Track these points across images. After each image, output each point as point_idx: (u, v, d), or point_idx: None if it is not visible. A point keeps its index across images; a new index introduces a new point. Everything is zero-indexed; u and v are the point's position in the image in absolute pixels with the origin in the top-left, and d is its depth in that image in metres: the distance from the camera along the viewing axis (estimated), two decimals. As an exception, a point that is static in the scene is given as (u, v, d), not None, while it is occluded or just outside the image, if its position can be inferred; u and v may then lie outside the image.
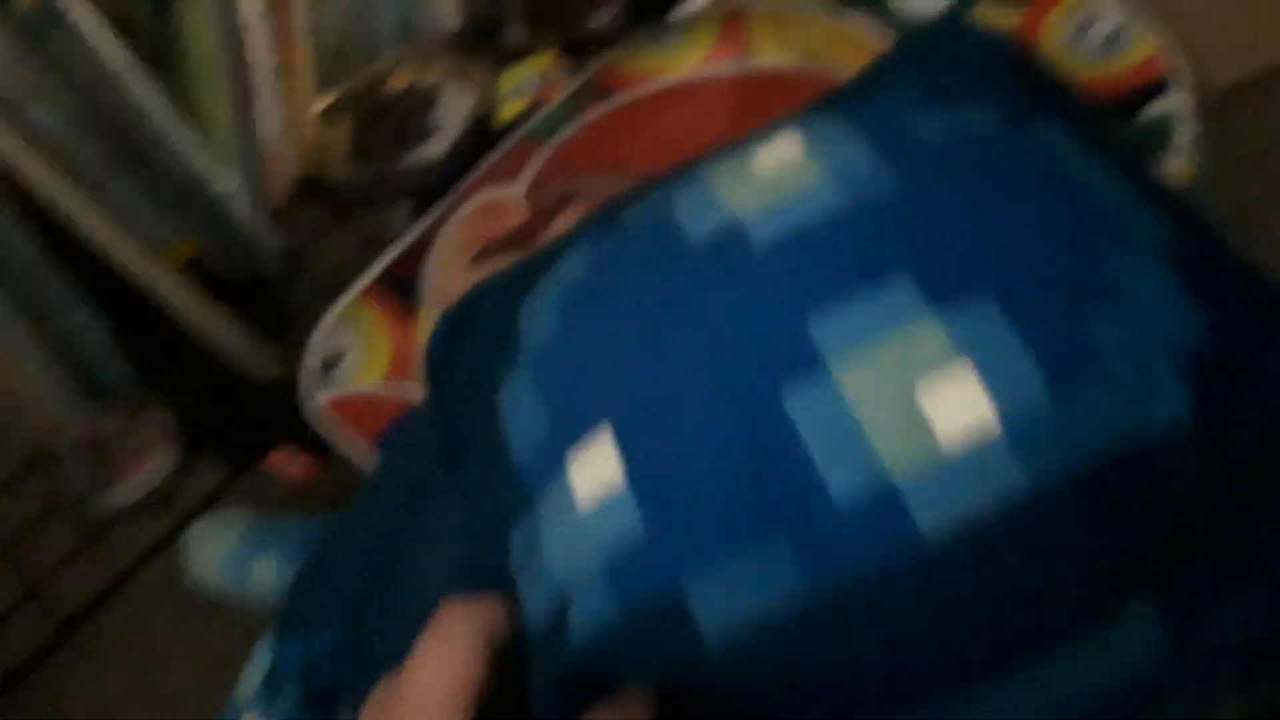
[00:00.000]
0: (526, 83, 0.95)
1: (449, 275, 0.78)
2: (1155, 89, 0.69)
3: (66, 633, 0.75)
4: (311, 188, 0.95)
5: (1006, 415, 0.32)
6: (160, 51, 0.87)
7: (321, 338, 0.76)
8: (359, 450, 0.71)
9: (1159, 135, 0.66)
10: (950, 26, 0.51)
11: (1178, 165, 0.64)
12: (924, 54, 0.48)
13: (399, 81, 0.97)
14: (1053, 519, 0.32)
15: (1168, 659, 0.33)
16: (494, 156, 0.85)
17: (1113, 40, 0.72)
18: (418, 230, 0.81)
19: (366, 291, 0.78)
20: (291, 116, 0.92)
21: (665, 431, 0.35)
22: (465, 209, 0.82)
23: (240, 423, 0.81)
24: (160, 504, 0.79)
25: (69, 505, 0.79)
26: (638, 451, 0.35)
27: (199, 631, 0.74)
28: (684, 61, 0.83)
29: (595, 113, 0.84)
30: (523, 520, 0.38)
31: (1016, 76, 0.46)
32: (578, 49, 0.98)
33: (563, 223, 0.78)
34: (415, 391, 0.74)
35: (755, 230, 0.38)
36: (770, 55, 0.82)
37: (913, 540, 0.32)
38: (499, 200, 0.82)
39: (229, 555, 0.69)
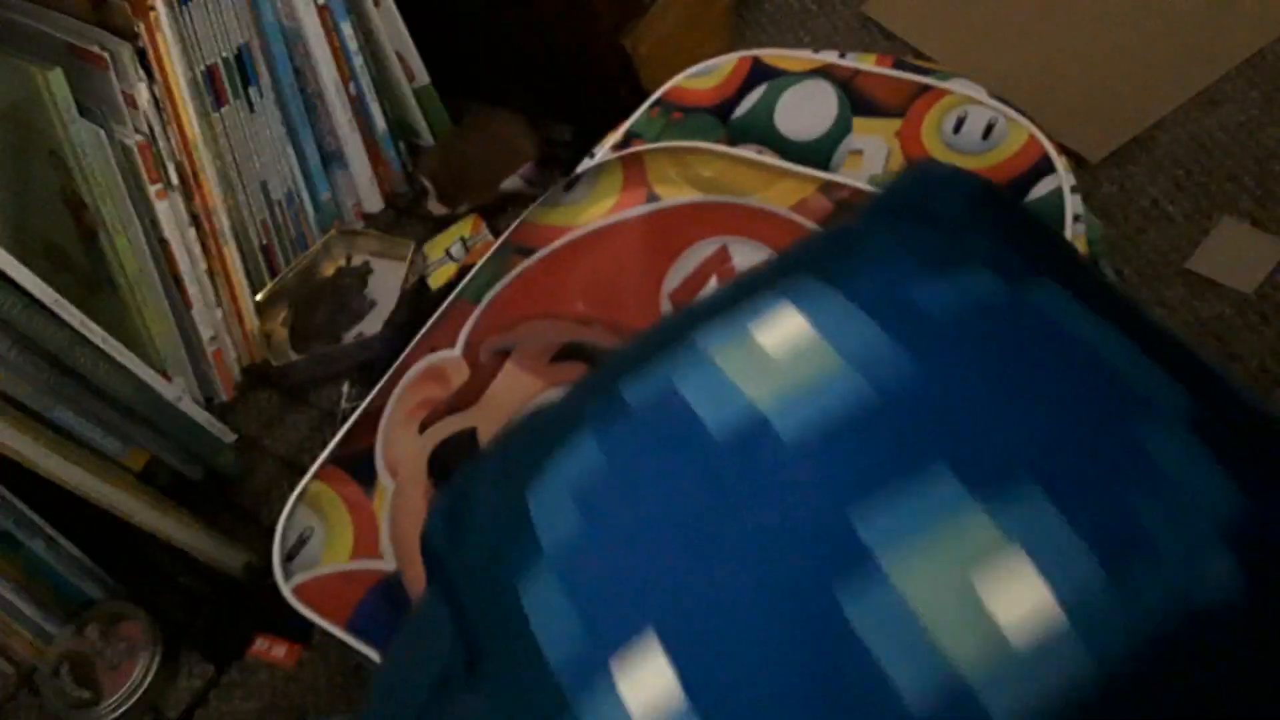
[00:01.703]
0: (452, 249, 0.96)
1: (401, 445, 0.77)
2: (1039, 171, 0.71)
3: None
4: (258, 377, 0.94)
5: (1066, 601, 0.31)
6: (94, 274, 0.86)
7: (284, 524, 0.74)
8: (339, 629, 0.69)
9: (1055, 211, 0.68)
10: (922, 174, 0.48)
11: (1075, 235, 0.66)
12: (901, 209, 0.46)
13: (330, 266, 0.97)
14: (1122, 702, 0.31)
15: None
16: (430, 324, 0.84)
17: (989, 132, 0.74)
18: (365, 405, 0.80)
19: (322, 472, 0.76)
20: (229, 314, 0.91)
21: (717, 640, 0.33)
22: (408, 377, 0.81)
23: (216, 619, 0.78)
24: (149, 711, 0.76)
25: (62, 723, 0.76)
26: (691, 664, 0.33)
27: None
28: (594, 210, 0.84)
29: (520, 268, 0.84)
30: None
31: (996, 223, 0.44)
32: (494, 210, 0.99)
33: (505, 381, 0.77)
34: (383, 565, 0.72)
35: (780, 422, 0.36)
36: (673, 192, 0.84)
37: None
38: (439, 364, 0.81)
39: None
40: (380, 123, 0.99)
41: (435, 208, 0.97)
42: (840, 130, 0.81)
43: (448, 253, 0.96)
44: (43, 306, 0.71)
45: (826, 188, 0.79)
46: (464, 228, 0.97)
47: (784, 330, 0.39)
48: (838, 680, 0.31)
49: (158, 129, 0.79)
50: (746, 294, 0.42)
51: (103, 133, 0.77)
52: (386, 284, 0.95)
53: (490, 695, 0.39)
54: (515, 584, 0.38)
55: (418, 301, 0.91)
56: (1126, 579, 0.31)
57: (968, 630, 0.31)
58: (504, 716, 0.38)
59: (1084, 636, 0.31)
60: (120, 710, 0.74)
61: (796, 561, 0.33)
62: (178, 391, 0.81)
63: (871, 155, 0.80)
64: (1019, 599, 0.31)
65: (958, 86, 0.78)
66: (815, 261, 0.43)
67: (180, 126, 0.81)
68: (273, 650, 0.75)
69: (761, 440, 0.36)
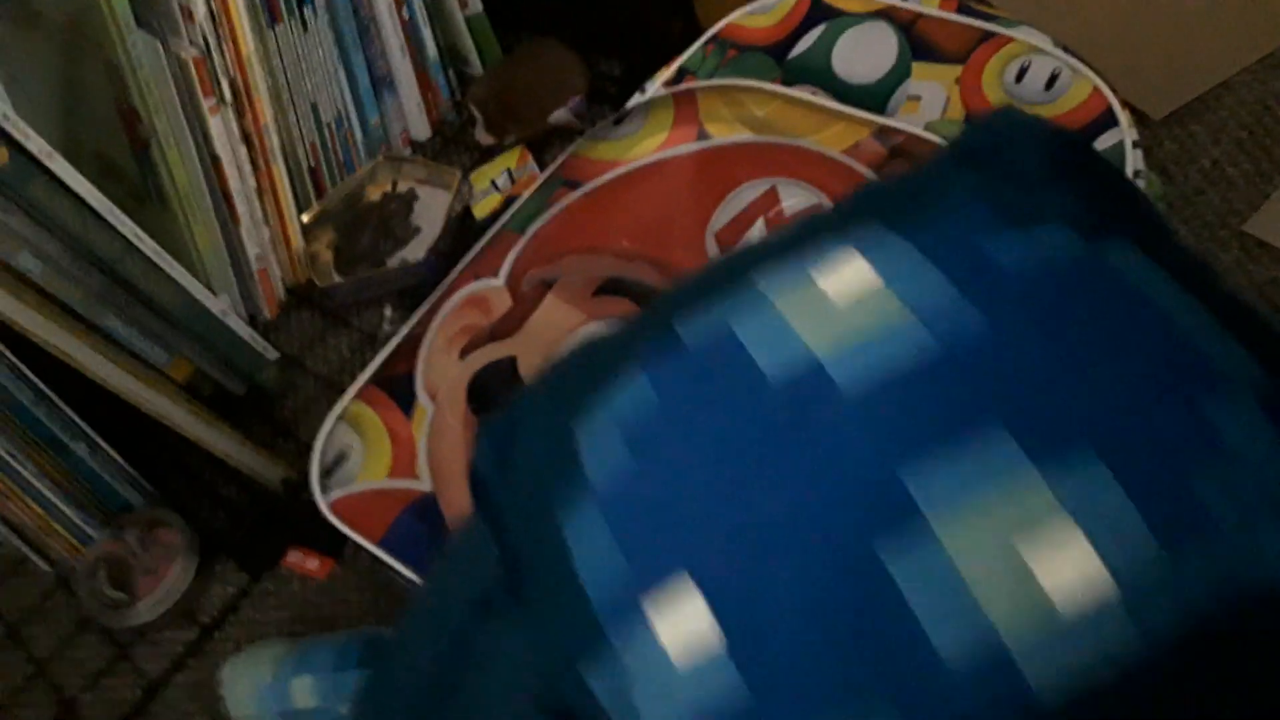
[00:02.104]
0: (498, 180, 0.96)
1: (441, 370, 0.77)
2: (1102, 124, 0.70)
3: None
4: (302, 297, 0.95)
5: (1117, 573, 0.30)
6: (144, 187, 0.87)
7: (324, 441, 0.75)
8: (372, 545, 0.70)
9: (1116, 166, 0.67)
10: (1005, 124, 0.46)
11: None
12: (980, 159, 0.44)
13: (376, 191, 0.97)
14: (1168, 678, 0.30)
15: None
16: (474, 252, 0.84)
17: (1052, 83, 0.73)
18: (406, 329, 0.81)
19: (363, 392, 0.77)
20: (276, 233, 0.92)
21: (757, 585, 0.33)
22: (450, 304, 0.81)
23: (253, 530, 0.80)
24: (183, 616, 0.77)
25: (96, 624, 0.78)
26: (727, 606, 0.33)
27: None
28: (645, 146, 0.83)
29: (566, 201, 0.84)
30: (602, 660, 0.35)
31: (1080, 179, 0.42)
32: (542, 144, 0.99)
33: (547, 312, 0.78)
34: (419, 485, 0.73)
35: (838, 371, 0.35)
36: (724, 131, 0.83)
37: (1026, 702, 0.30)
38: (482, 292, 0.82)
39: (265, 687, 0.67)
40: (431, 49, 0.98)
41: (483, 137, 0.97)
42: (899, 74, 0.80)
43: (493, 183, 0.95)
44: (96, 215, 0.71)
45: (881, 133, 0.78)
46: (510, 159, 0.97)
47: (848, 277, 0.38)
48: (874, 633, 0.31)
49: (213, 43, 0.79)
50: (810, 237, 0.41)
51: (159, 45, 0.77)
52: (431, 211, 0.95)
53: (528, 622, 0.39)
54: (559, 515, 0.38)
55: (462, 230, 0.91)
56: (1181, 555, 0.31)
57: (1012, 595, 0.30)
58: (541, 643, 0.38)
59: (1131, 610, 0.30)
60: (155, 612, 0.76)
61: (840, 511, 0.33)
62: (223, 305, 0.82)
63: (929, 101, 0.78)
64: (1068, 568, 0.30)
65: (1022, 34, 0.77)
66: (883, 208, 0.42)
67: (235, 42, 0.81)
68: (306, 563, 0.76)
69: (817, 388, 0.36)
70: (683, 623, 0.33)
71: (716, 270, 0.44)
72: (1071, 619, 0.30)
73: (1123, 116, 0.69)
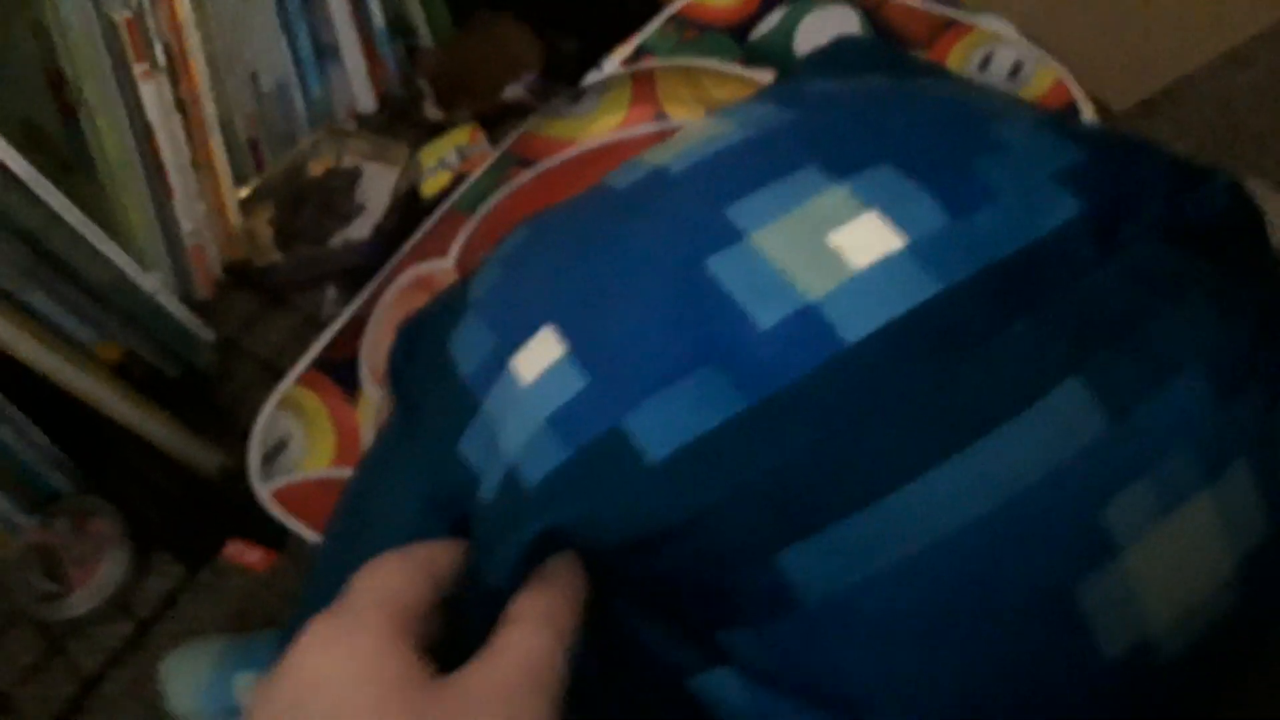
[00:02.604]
0: (447, 157, 0.93)
1: (386, 353, 0.75)
2: (1066, 114, 0.69)
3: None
4: (239, 276, 0.91)
5: (911, 236, 0.35)
6: (73, 156, 0.83)
7: (263, 427, 0.72)
8: (316, 535, 0.68)
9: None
10: (845, 42, 0.57)
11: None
12: (822, 63, 0.55)
13: (319, 165, 0.93)
14: (964, 315, 0.34)
15: (1108, 443, 0.33)
16: (422, 231, 0.82)
17: (1016, 72, 0.72)
18: (350, 311, 0.78)
19: (304, 377, 0.75)
20: (212, 208, 0.88)
21: (598, 312, 0.37)
22: (396, 286, 0.79)
23: (190, 520, 0.76)
24: (119, 609, 0.74)
25: (27, 617, 0.74)
26: (577, 332, 0.37)
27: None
28: (600, 125, 0.81)
29: (518, 181, 0.81)
30: (474, 424, 0.38)
31: (897, 64, 0.53)
32: (493, 120, 0.96)
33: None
34: (364, 474, 0.70)
35: (674, 165, 0.42)
36: (683, 113, 0.81)
37: (832, 344, 0.33)
38: (430, 274, 0.79)
39: (207, 682, 0.65)
40: (379, 18, 0.95)
41: (432, 112, 0.94)
42: (861, 60, 0.79)
43: (442, 161, 0.93)
44: (19, 183, 0.67)
45: (842, 118, 0.77)
46: (461, 135, 0.94)
47: (699, 123, 0.46)
48: (696, 316, 0.35)
49: (146, 5, 0.75)
50: None
51: (90, 6, 0.73)
52: (376, 189, 0.92)
53: (418, 440, 0.42)
54: (444, 341, 0.42)
55: (409, 209, 0.88)
56: (968, 216, 0.36)
57: (816, 267, 0.35)
58: (426, 447, 0.41)
59: (925, 263, 0.35)
60: (89, 605, 0.73)
61: (673, 244, 0.38)
62: (155, 283, 0.78)
63: (891, 88, 0.78)
64: (867, 241, 0.35)
65: (986, 23, 0.76)
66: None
67: (170, 4, 0.77)
68: (246, 554, 0.73)
69: (654, 180, 0.42)
70: (536, 355, 0.37)
71: None
72: (869, 274, 0.34)
73: (1086, 107, 0.69)
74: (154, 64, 0.78)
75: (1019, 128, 0.40)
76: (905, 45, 0.77)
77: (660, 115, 0.81)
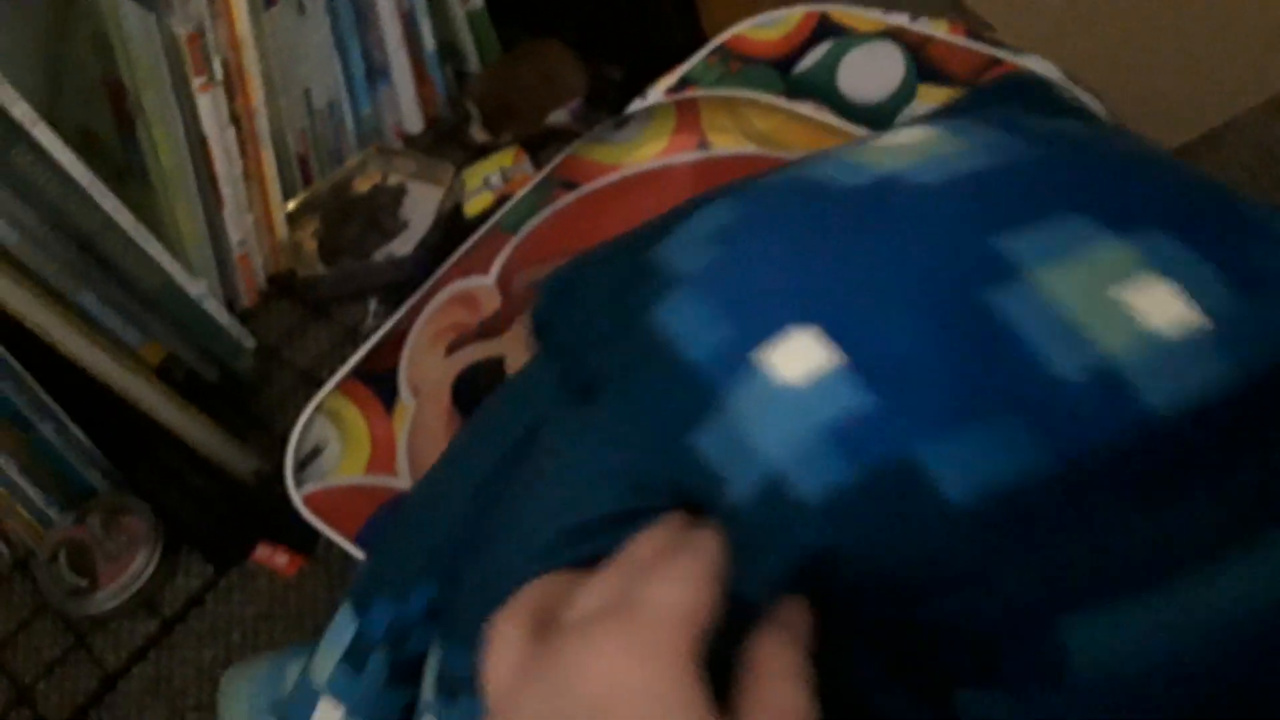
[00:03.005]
0: (491, 178, 0.95)
1: (426, 366, 0.76)
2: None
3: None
4: (283, 287, 0.93)
5: (1207, 312, 0.33)
6: (127, 164, 0.85)
7: (300, 432, 0.73)
8: (347, 541, 0.68)
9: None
10: (1023, 77, 0.54)
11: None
12: (1004, 93, 0.51)
13: (365, 183, 0.95)
14: (1270, 403, 0.32)
15: None
16: (464, 249, 0.83)
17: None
18: (392, 323, 0.79)
19: (344, 386, 0.76)
20: (260, 220, 0.90)
21: (871, 325, 0.34)
22: (438, 301, 0.80)
23: (221, 522, 0.78)
24: (145, 606, 0.75)
25: (55, 610, 0.75)
26: (849, 340, 0.34)
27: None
28: (644, 152, 0.82)
29: (561, 203, 0.82)
30: (712, 417, 0.35)
31: (1077, 112, 0.49)
32: (538, 144, 0.97)
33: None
34: (397, 482, 0.71)
35: (916, 175, 0.38)
36: (726, 143, 0.82)
37: (1142, 414, 0.31)
38: (471, 290, 0.80)
39: (266, 701, 0.65)
40: (429, 42, 0.97)
41: (478, 134, 0.96)
42: (904, 96, 0.79)
43: (486, 181, 0.94)
44: (77, 187, 0.69)
45: (884, 153, 0.77)
46: (505, 158, 0.95)
47: (909, 134, 0.42)
48: (994, 358, 0.33)
49: (208, 21, 0.78)
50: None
51: (152, 19, 0.75)
52: (421, 207, 0.94)
53: (613, 404, 0.39)
54: (644, 311, 0.39)
55: (452, 227, 0.90)
56: (1256, 302, 0.33)
57: (1116, 327, 0.33)
58: (633, 428, 0.38)
59: (1226, 341, 0.32)
60: (115, 601, 0.74)
61: (945, 269, 0.35)
62: (201, 289, 0.79)
63: (933, 124, 0.78)
64: (1162, 307, 0.33)
65: (1031, 63, 0.76)
66: (931, 116, 0.49)
67: (230, 21, 0.79)
68: (275, 558, 0.74)
69: (896, 186, 0.38)
70: (799, 356, 0.34)
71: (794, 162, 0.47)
72: (1174, 344, 0.32)
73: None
74: (212, 78, 0.80)
75: (1261, 211, 0.38)
76: (948, 82, 0.78)
77: (703, 144, 0.82)
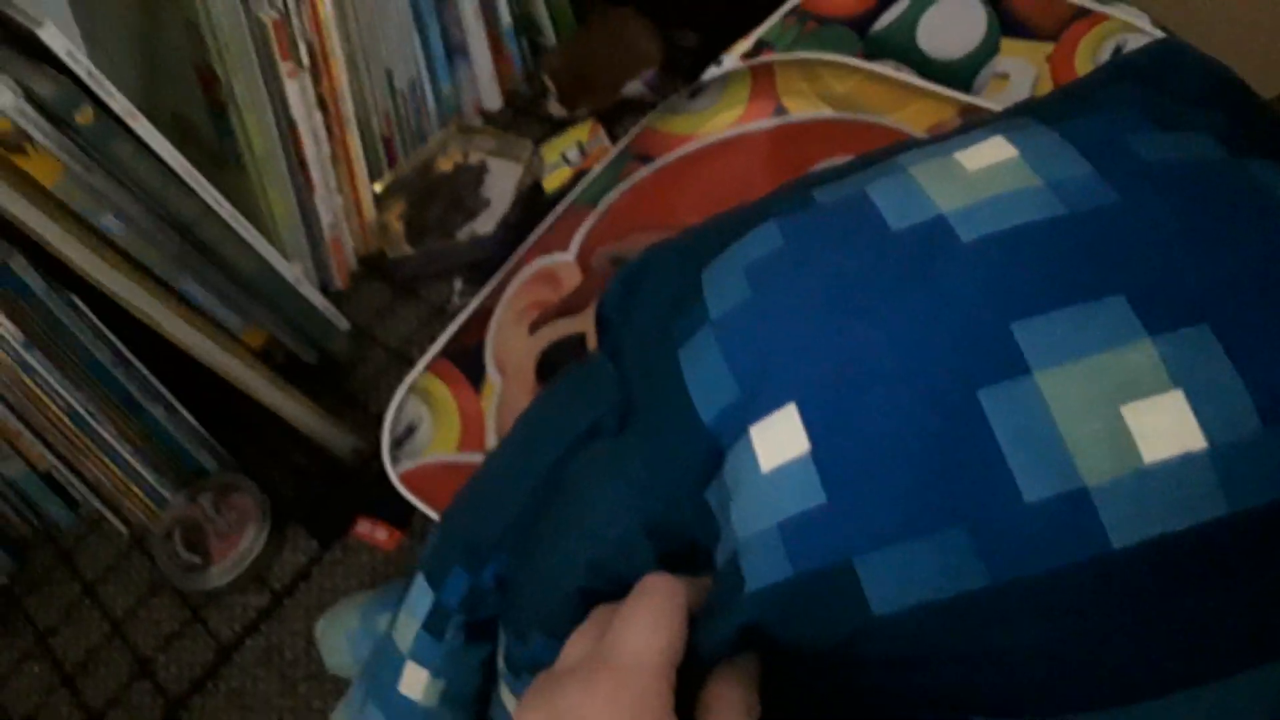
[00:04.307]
0: (568, 152, 0.94)
1: (510, 344, 0.76)
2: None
3: (179, 707, 0.74)
4: (373, 268, 0.94)
5: (1213, 438, 0.30)
6: (221, 150, 0.87)
7: (394, 413, 0.75)
8: (439, 517, 0.70)
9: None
10: (1169, 49, 0.46)
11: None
12: (1140, 75, 0.45)
13: (447, 162, 0.96)
14: (1244, 546, 0.30)
15: None
16: (544, 226, 0.83)
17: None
18: (476, 303, 0.80)
19: (433, 366, 0.77)
20: (349, 202, 0.92)
21: (852, 414, 0.34)
22: (520, 278, 0.80)
23: (324, 499, 0.80)
24: (255, 581, 0.78)
25: (172, 586, 0.79)
26: (823, 428, 0.34)
27: (305, 699, 0.72)
28: (720, 121, 0.81)
29: (638, 176, 0.82)
30: (716, 477, 0.38)
31: (1235, 108, 0.42)
32: (614, 117, 0.97)
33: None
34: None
35: (962, 226, 0.36)
36: (803, 107, 0.80)
37: (1099, 546, 0.30)
38: (552, 267, 0.80)
39: (357, 635, 0.68)
40: (506, 16, 0.97)
41: (554, 109, 0.96)
42: (987, 51, 0.77)
43: (563, 156, 0.94)
44: (176, 177, 0.71)
45: (966, 111, 0.75)
46: (581, 132, 0.95)
47: (988, 154, 0.39)
48: (959, 465, 0.32)
49: (292, 6, 0.79)
50: (964, 131, 0.42)
51: (239, 5, 0.76)
52: (501, 184, 0.94)
53: (639, 444, 0.41)
54: (678, 347, 0.40)
55: (532, 203, 0.90)
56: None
57: (1105, 450, 0.31)
58: (653, 465, 0.40)
59: (1221, 473, 0.30)
60: (228, 577, 0.76)
61: (947, 354, 0.33)
62: (297, 273, 0.81)
63: (1018, 80, 0.75)
64: (1165, 427, 0.31)
65: (1119, 12, 0.73)
66: (1036, 109, 0.43)
67: (314, 6, 0.80)
68: (375, 533, 0.76)
69: (937, 236, 0.36)
70: (779, 436, 0.35)
71: (867, 156, 0.44)
72: (1158, 473, 0.30)
73: (1226, 99, 0.66)
74: (299, 63, 0.81)
75: None
76: (1032, 35, 0.75)
77: (779, 109, 0.81)
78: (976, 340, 0.33)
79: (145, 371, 0.78)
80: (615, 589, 0.38)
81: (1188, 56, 0.44)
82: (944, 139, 0.42)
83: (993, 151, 0.39)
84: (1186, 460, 0.30)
